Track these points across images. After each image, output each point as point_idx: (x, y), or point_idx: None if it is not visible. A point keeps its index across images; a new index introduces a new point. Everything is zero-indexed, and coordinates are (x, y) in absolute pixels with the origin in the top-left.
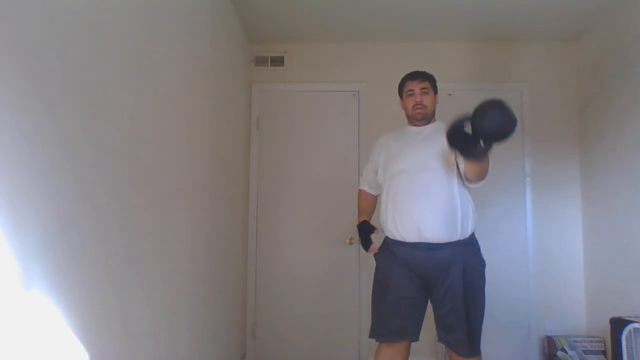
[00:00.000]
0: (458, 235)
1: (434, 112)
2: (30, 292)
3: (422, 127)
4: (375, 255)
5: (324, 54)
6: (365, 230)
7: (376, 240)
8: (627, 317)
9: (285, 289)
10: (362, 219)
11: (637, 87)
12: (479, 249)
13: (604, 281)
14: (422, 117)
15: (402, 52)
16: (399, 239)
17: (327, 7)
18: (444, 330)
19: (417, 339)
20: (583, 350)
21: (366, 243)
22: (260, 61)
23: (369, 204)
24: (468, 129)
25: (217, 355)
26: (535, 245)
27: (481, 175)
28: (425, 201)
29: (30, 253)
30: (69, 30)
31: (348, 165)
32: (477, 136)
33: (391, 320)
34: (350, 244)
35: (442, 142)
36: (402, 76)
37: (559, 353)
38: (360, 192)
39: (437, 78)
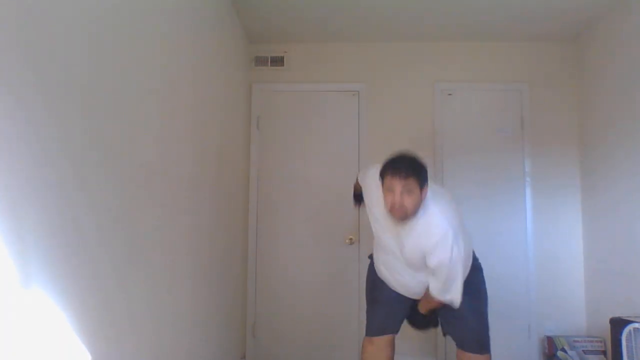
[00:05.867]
0: None
1: (418, 209)
2: (30, 292)
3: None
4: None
5: (324, 54)
6: (356, 196)
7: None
8: (627, 317)
9: (285, 288)
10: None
11: (637, 86)
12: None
13: (604, 281)
14: (400, 219)
15: (402, 52)
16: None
17: (327, 7)
18: (457, 334)
19: (396, 332)
20: (583, 350)
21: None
22: (260, 61)
23: None
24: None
25: (217, 355)
26: (535, 245)
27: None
28: (414, 280)
29: (31, 252)
30: (70, 30)
31: (348, 165)
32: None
33: (377, 315)
34: (351, 244)
35: (424, 248)
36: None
37: (559, 353)
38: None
39: (437, 78)
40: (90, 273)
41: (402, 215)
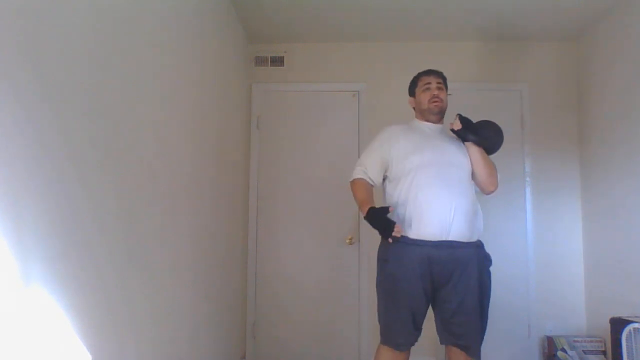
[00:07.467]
0: (476, 235)
1: (445, 111)
2: (31, 291)
3: (437, 125)
4: (387, 251)
5: (324, 54)
6: (380, 212)
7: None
8: (627, 317)
9: (285, 289)
10: (370, 206)
11: (637, 86)
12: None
13: (604, 281)
14: (438, 111)
15: (402, 52)
16: (420, 237)
17: (327, 7)
18: (452, 332)
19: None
20: (583, 350)
21: (388, 225)
22: (260, 61)
23: (369, 193)
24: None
25: (217, 355)
26: (535, 245)
27: (489, 174)
28: (455, 196)
29: (31, 251)
30: (72, 32)
31: (348, 165)
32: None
33: (401, 329)
34: (350, 244)
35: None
36: (407, 74)
37: (559, 353)
38: (358, 181)
39: None
40: (91, 272)
41: (440, 105)
